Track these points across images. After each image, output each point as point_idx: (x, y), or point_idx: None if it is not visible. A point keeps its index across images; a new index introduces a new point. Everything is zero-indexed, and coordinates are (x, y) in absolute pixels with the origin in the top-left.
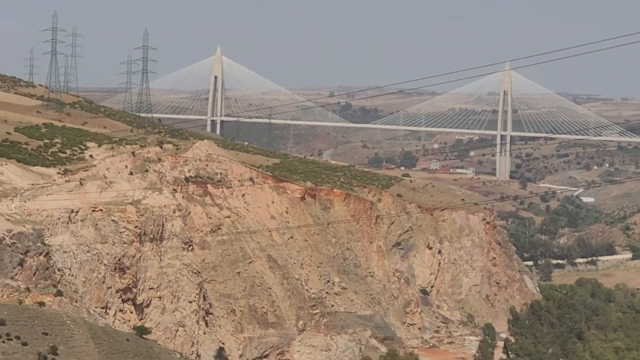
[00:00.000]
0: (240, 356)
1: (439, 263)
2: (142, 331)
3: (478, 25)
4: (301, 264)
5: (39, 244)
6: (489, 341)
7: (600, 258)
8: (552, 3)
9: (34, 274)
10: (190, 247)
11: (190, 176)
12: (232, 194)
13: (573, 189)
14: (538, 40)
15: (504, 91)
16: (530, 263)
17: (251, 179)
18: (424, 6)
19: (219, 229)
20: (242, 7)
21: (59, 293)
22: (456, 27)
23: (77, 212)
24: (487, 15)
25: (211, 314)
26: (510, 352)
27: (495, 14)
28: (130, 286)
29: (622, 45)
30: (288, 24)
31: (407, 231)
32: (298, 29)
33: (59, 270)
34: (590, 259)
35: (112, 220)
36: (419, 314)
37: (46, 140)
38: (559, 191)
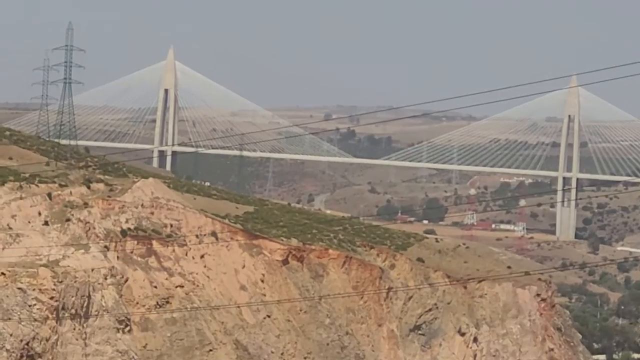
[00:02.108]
0: None
1: (475, 355)
2: None
3: (532, 24)
4: (282, 354)
5: None
6: None
7: None
8: None
9: None
10: (128, 328)
11: (129, 228)
12: (186, 255)
13: None
14: (617, 46)
15: (569, 116)
16: (603, 357)
17: (214, 234)
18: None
19: (167, 302)
20: None
21: None
22: (501, 26)
23: None
24: (546, 11)
25: None
26: None
27: (558, 8)
28: None
29: None
30: (269, 19)
31: (430, 310)
32: (283, 27)
33: None
34: None
35: (19, 289)
36: None
37: None
38: None
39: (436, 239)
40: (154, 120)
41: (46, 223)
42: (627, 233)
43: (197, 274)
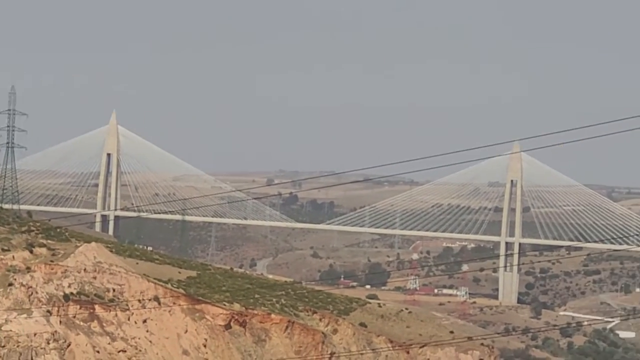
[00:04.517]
0: None
1: None
2: None
3: (473, 89)
4: None
5: None
6: None
7: None
8: (580, 57)
9: None
10: None
11: (72, 293)
12: (129, 319)
13: (606, 319)
14: (560, 112)
15: (512, 181)
16: None
17: (156, 299)
18: (398, 62)
19: None
20: (146, 57)
21: None
22: (442, 91)
23: None
24: (488, 75)
25: None
26: None
27: (499, 70)
28: None
29: None
30: (211, 82)
31: None
32: (224, 93)
33: None
34: None
35: None
36: None
37: None
38: (586, 322)
39: (379, 303)
40: (97, 185)
41: None
42: (570, 298)
43: (139, 338)
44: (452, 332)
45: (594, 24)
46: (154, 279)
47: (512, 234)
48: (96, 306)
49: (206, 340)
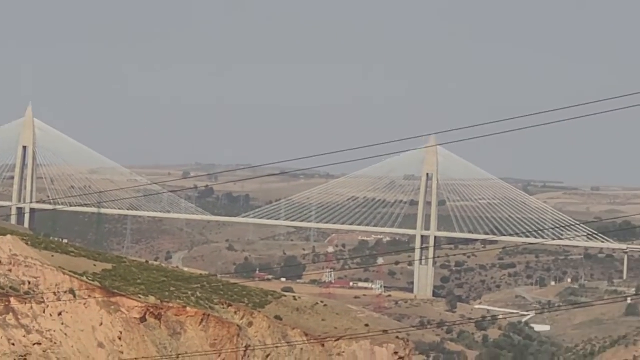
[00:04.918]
0: None
1: None
2: None
3: (393, 80)
4: None
5: None
6: None
7: None
8: (489, 54)
9: None
10: None
11: None
12: (44, 312)
13: (522, 313)
14: (476, 107)
15: (427, 175)
16: None
17: (72, 291)
18: (315, 51)
19: None
20: (62, 48)
21: None
22: (357, 84)
23: None
24: (406, 66)
25: None
26: None
27: (416, 64)
28: None
29: (591, 115)
30: (126, 76)
31: None
32: (139, 87)
33: None
34: None
35: None
36: None
37: None
38: (501, 316)
39: (294, 296)
40: (12, 178)
41: None
42: (485, 291)
43: (54, 331)
44: (367, 325)
45: (507, 18)
46: (70, 271)
47: (427, 228)
48: (11, 299)
49: (121, 333)
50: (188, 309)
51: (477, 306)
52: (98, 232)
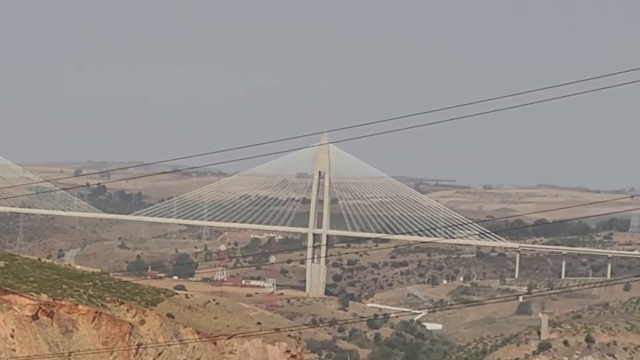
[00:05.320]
0: None
1: None
2: None
3: (284, 74)
4: None
5: None
6: None
7: None
8: (384, 50)
9: None
10: None
11: None
12: None
13: (413, 311)
14: (368, 103)
15: (320, 173)
16: None
17: None
18: (208, 50)
19: None
20: None
21: None
22: (251, 82)
23: None
24: (299, 63)
25: None
26: None
27: (310, 62)
28: None
29: (483, 113)
30: (14, 69)
31: None
32: (30, 84)
33: None
34: None
35: None
36: None
37: None
38: (393, 314)
39: (186, 294)
40: None
41: None
42: (377, 289)
43: None
44: (259, 323)
45: (401, 19)
46: None
47: (319, 226)
48: None
49: (13, 330)
50: (80, 306)
51: (369, 304)
52: None
